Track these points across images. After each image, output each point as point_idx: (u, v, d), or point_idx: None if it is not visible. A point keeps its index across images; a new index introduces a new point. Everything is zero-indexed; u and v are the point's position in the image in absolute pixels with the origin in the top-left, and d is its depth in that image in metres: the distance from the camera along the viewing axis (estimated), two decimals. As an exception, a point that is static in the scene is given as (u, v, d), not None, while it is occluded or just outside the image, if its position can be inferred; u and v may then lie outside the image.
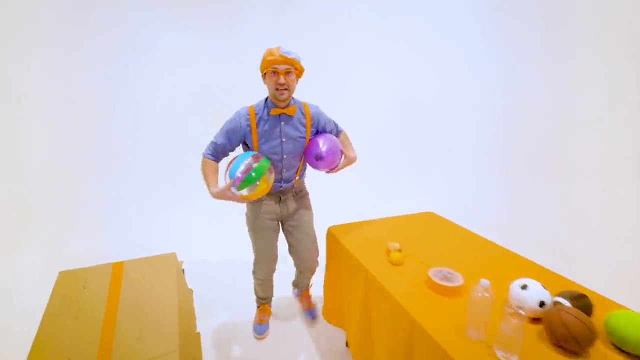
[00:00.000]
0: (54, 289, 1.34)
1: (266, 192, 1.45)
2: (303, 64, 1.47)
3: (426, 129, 3.96)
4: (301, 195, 1.71)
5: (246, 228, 1.74)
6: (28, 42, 2.74)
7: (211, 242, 2.86)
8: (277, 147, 1.50)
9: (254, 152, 1.46)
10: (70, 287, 1.35)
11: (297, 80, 1.48)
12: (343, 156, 1.63)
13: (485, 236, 1.70)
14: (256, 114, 1.47)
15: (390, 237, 1.64)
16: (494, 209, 3.36)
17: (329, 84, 3.64)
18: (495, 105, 3.56)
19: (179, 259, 1.74)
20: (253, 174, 1.36)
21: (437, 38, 3.76)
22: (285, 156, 1.53)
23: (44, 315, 1.20)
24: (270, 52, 1.37)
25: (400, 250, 1.45)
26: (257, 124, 1.47)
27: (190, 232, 3.02)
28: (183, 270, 1.74)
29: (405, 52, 3.82)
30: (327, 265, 1.83)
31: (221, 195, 1.37)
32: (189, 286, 1.71)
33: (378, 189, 3.79)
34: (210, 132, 1.58)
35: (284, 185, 1.60)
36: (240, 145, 1.57)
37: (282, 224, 1.74)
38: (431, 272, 1.25)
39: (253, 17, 3.49)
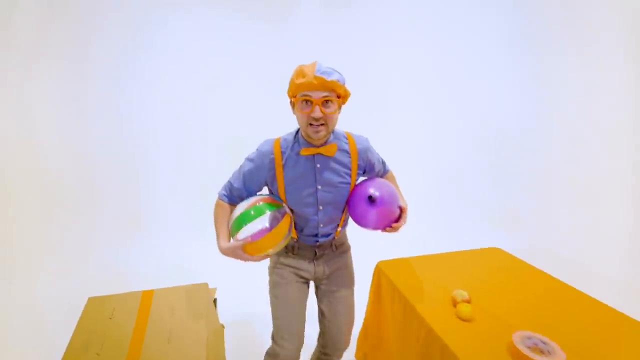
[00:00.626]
0: (80, 318, 1.25)
1: (275, 244, 1.06)
2: (348, 85, 1.05)
3: (478, 150, 3.59)
4: (342, 250, 1.29)
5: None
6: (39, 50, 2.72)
7: (247, 269, 2.67)
8: (310, 197, 1.11)
9: (270, 195, 1.14)
10: (96, 316, 1.26)
11: (340, 109, 1.07)
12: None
13: (564, 280, 1.39)
14: (282, 152, 1.09)
15: (452, 281, 1.38)
16: (560, 243, 2.90)
17: (372, 97, 3.43)
18: (556, 123, 3.17)
19: (213, 286, 1.61)
20: (252, 212, 1.04)
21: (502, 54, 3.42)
22: (321, 207, 1.13)
23: (66, 352, 1.10)
24: (301, 72, 0.97)
25: (469, 302, 1.19)
26: (284, 167, 1.09)
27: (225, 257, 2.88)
28: (215, 300, 1.60)
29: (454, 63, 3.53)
30: (370, 301, 1.60)
31: (231, 252, 1.05)
32: (221, 319, 1.56)
33: (426, 217, 3.45)
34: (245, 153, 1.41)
35: (322, 240, 1.21)
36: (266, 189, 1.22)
37: (315, 286, 1.33)
38: (517, 338, 0.97)
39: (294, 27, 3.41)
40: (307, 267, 1.24)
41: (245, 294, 2.36)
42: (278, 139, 1.12)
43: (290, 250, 1.23)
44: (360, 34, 3.41)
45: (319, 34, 3.34)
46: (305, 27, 3.36)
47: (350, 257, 1.33)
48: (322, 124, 1.00)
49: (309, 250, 1.22)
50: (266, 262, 1.45)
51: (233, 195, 1.16)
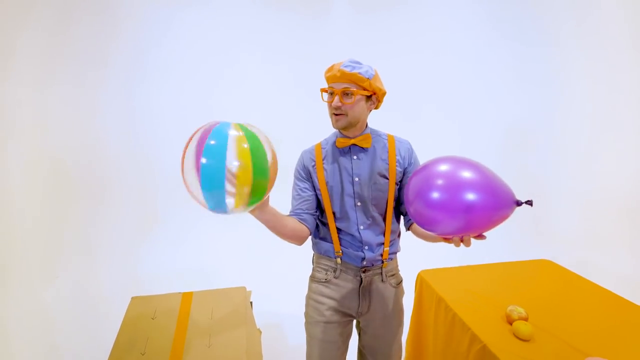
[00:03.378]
0: (125, 317, 1.27)
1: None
2: (379, 83, 1.03)
3: (521, 158, 3.40)
4: (394, 282, 1.15)
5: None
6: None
7: (282, 270, 2.57)
8: (348, 188, 1.09)
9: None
10: (140, 316, 1.28)
11: (369, 104, 1.06)
12: None
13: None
14: (323, 148, 1.15)
15: (503, 294, 1.30)
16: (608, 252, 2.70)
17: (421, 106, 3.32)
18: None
19: (248, 289, 1.60)
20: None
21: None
22: (359, 203, 1.08)
23: (113, 349, 1.13)
24: (330, 67, 1.04)
25: (527, 319, 1.10)
26: (324, 160, 1.12)
27: (260, 257, 2.80)
28: (251, 303, 1.59)
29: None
30: (414, 315, 1.53)
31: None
32: (257, 322, 1.55)
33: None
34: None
35: (368, 254, 1.08)
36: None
37: (358, 325, 1.21)
38: (589, 365, 0.88)
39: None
40: (350, 299, 1.11)
41: (280, 298, 2.30)
42: (320, 141, 1.17)
43: (332, 272, 1.12)
44: (395, 41, 3.32)
45: (351, 37, 3.29)
46: (337, 30, 3.31)
47: (403, 293, 1.19)
48: (342, 114, 1.02)
49: (354, 275, 1.10)
50: (299, 257, 1.30)
51: (297, 210, 1.10)
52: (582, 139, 3.15)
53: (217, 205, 0.75)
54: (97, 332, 1.92)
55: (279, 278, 2.53)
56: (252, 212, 0.86)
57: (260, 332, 1.47)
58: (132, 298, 1.37)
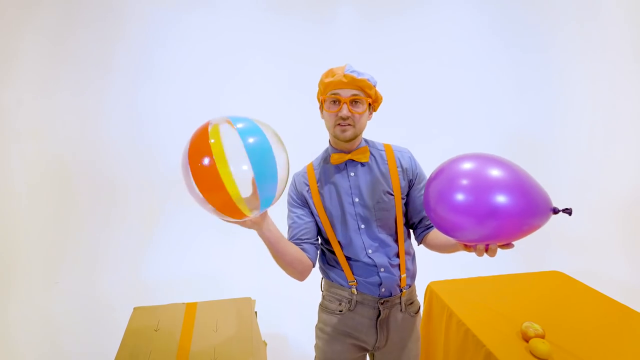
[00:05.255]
0: (127, 328, 1.24)
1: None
2: (381, 91, 0.97)
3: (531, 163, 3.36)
4: (412, 310, 1.04)
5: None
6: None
7: (288, 277, 2.51)
8: (350, 211, 0.97)
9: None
10: (143, 327, 1.24)
11: (372, 113, 0.98)
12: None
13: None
14: (315, 169, 1.03)
15: (517, 308, 1.26)
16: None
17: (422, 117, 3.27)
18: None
19: (253, 297, 1.57)
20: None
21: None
22: (363, 226, 0.97)
23: (114, 362, 1.09)
24: (330, 72, 0.94)
25: (544, 336, 1.06)
26: (318, 182, 1.00)
27: (264, 263, 2.76)
28: (256, 313, 1.55)
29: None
30: (422, 329, 1.48)
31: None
32: (261, 331, 1.51)
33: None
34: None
35: (385, 277, 0.96)
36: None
37: (372, 355, 1.10)
38: (612, 388, 0.84)
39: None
40: (366, 333, 1.00)
41: (284, 308, 2.25)
42: (310, 162, 1.07)
43: (346, 304, 1.00)
44: (401, 48, 3.27)
45: (356, 42, 3.26)
46: (342, 36, 3.29)
47: (420, 318, 1.09)
48: (350, 124, 0.92)
49: (371, 307, 0.98)
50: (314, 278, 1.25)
51: (296, 240, 0.97)
52: (586, 145, 3.12)
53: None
54: (98, 342, 1.88)
55: (284, 285, 2.46)
56: (257, 223, 0.79)
57: (266, 344, 1.43)
58: (135, 308, 1.34)
